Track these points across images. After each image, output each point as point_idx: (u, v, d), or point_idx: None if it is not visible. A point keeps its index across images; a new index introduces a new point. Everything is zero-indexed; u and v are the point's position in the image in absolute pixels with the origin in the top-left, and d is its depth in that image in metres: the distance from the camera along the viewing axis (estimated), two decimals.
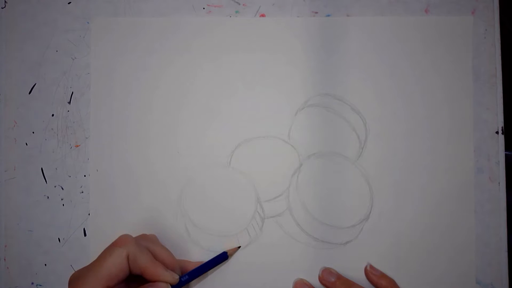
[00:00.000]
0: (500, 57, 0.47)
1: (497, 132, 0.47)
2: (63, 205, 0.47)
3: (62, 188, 0.47)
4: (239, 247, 0.46)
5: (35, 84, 0.48)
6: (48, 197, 0.47)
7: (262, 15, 0.48)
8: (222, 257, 0.45)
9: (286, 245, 0.46)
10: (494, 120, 0.47)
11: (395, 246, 0.46)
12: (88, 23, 0.48)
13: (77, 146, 0.47)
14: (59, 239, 0.47)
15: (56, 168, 0.47)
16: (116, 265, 0.39)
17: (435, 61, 0.47)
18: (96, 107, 0.47)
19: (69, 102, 0.48)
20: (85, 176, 0.47)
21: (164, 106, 0.47)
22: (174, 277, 0.41)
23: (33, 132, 0.48)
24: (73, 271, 0.45)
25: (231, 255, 0.46)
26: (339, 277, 0.45)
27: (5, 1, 0.48)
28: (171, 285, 0.41)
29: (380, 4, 0.48)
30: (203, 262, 0.45)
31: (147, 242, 0.42)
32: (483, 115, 0.47)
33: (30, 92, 0.48)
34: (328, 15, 0.48)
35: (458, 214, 0.46)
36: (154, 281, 0.40)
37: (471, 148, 0.47)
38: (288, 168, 0.47)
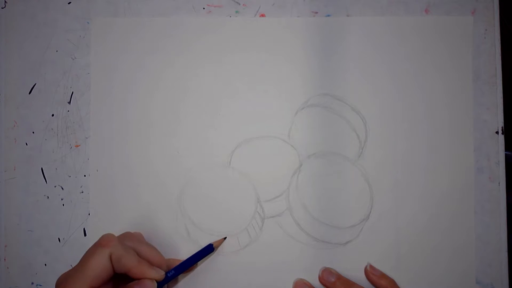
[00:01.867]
0: (500, 57, 0.47)
1: (497, 132, 0.47)
2: (63, 205, 0.47)
3: (62, 188, 0.47)
4: (225, 238, 0.46)
5: (35, 84, 0.48)
6: (48, 197, 0.47)
7: (262, 15, 0.48)
8: (208, 250, 0.45)
9: (286, 245, 0.46)
10: (494, 120, 0.47)
11: (395, 246, 0.46)
12: (88, 23, 0.48)
13: (77, 146, 0.47)
14: (59, 239, 0.47)
15: (56, 168, 0.47)
16: (99, 265, 0.39)
17: (435, 61, 0.47)
18: (96, 107, 0.47)
19: (69, 102, 0.48)
20: (85, 176, 0.47)
21: (164, 106, 0.47)
22: (160, 274, 0.41)
23: (33, 132, 0.48)
24: None
25: (217, 247, 0.46)
26: (339, 277, 0.45)
27: (5, 1, 0.48)
28: (158, 282, 0.41)
29: (380, 4, 0.48)
30: (188, 257, 0.44)
31: (131, 241, 0.42)
32: (483, 115, 0.47)
33: (30, 92, 0.48)
34: (328, 15, 0.48)
35: (458, 214, 0.46)
36: (140, 279, 0.40)
37: (471, 148, 0.47)
38: (288, 168, 0.47)
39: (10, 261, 0.47)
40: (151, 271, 0.40)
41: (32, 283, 0.47)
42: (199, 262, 0.45)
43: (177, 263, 0.44)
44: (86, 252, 0.40)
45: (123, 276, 0.41)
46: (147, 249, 0.42)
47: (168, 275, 0.42)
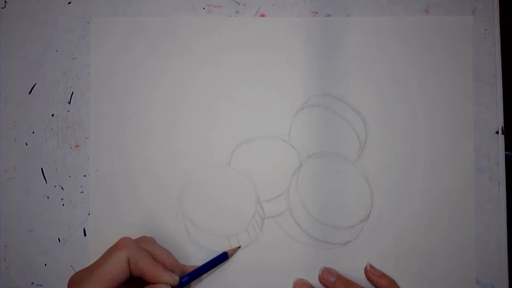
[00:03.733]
0: (500, 57, 0.47)
1: (497, 132, 0.47)
2: (63, 205, 0.47)
3: (62, 188, 0.47)
4: (239, 247, 0.46)
5: (35, 84, 0.48)
6: (48, 197, 0.47)
7: (262, 15, 0.48)
8: (222, 258, 0.45)
9: (286, 245, 0.46)
10: (494, 120, 0.47)
11: (395, 246, 0.46)
12: (88, 23, 0.48)
13: (77, 146, 0.47)
14: (59, 239, 0.47)
15: (56, 168, 0.47)
16: (117, 268, 0.39)
17: (435, 61, 0.47)
18: (96, 107, 0.47)
19: (69, 102, 0.48)
20: (85, 176, 0.47)
21: (164, 106, 0.47)
22: (175, 278, 0.41)
23: (33, 132, 0.48)
24: (73, 271, 0.46)
25: (231, 255, 0.46)
26: (339, 277, 0.45)
27: (5, 1, 0.48)
28: (171, 286, 0.41)
29: (380, 4, 0.48)
30: (203, 264, 0.45)
31: (146, 244, 0.43)
32: (483, 115, 0.47)
33: (30, 92, 0.48)
34: (328, 15, 0.48)
35: (458, 214, 0.46)
36: (155, 283, 0.40)
37: (471, 148, 0.47)
38: (288, 168, 0.47)
39: (10, 261, 0.47)
40: (166, 275, 0.41)
41: (32, 283, 0.47)
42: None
43: (186, 268, 0.44)
44: (103, 254, 0.41)
45: (136, 279, 0.41)
46: (162, 253, 0.43)
47: (182, 280, 0.42)
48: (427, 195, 0.46)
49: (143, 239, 0.44)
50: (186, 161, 0.47)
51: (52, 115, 0.48)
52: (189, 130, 0.47)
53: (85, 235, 0.47)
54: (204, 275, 0.46)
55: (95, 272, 0.39)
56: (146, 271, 0.40)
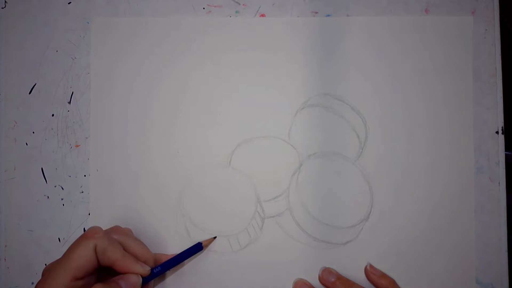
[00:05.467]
0: (500, 57, 0.47)
1: (497, 132, 0.47)
2: (63, 205, 0.47)
3: (62, 188, 0.47)
4: (215, 237, 0.46)
5: (35, 84, 0.48)
6: (48, 197, 0.47)
7: (262, 15, 0.48)
8: (196, 248, 0.45)
9: (286, 245, 0.46)
10: (494, 120, 0.47)
11: (395, 246, 0.46)
12: (88, 23, 0.48)
13: (77, 146, 0.47)
14: (59, 239, 0.47)
15: (56, 168, 0.47)
16: (83, 257, 0.39)
17: (435, 61, 0.47)
18: (96, 107, 0.47)
19: (69, 102, 0.48)
20: (85, 176, 0.47)
21: (164, 106, 0.47)
22: (145, 269, 0.41)
23: (33, 132, 0.48)
24: None
25: (206, 246, 0.46)
26: (339, 277, 0.45)
27: (5, 1, 0.48)
28: (143, 277, 0.41)
29: (380, 4, 0.48)
30: (176, 254, 0.44)
31: (118, 235, 0.42)
32: (483, 115, 0.47)
33: (30, 92, 0.48)
34: (328, 15, 0.48)
35: (458, 214, 0.46)
36: (125, 273, 0.40)
37: (471, 148, 0.47)
38: (288, 168, 0.47)
39: (10, 261, 0.47)
40: (136, 265, 0.40)
41: (32, 283, 0.47)
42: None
43: (165, 258, 0.44)
44: (72, 243, 0.40)
45: (109, 269, 0.41)
46: (134, 243, 0.42)
47: (154, 271, 0.42)
48: (427, 195, 0.46)
49: (115, 229, 0.43)
50: (186, 161, 0.47)
51: (52, 115, 0.48)
52: (189, 130, 0.47)
53: None
54: (202, 275, 0.46)
55: (63, 261, 0.39)
56: (115, 260, 0.39)
